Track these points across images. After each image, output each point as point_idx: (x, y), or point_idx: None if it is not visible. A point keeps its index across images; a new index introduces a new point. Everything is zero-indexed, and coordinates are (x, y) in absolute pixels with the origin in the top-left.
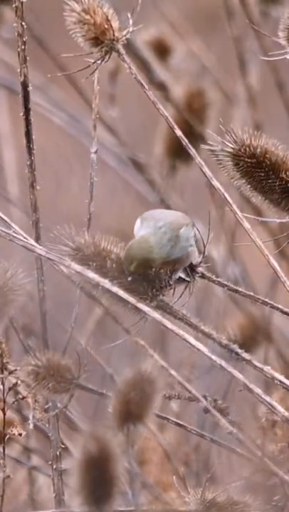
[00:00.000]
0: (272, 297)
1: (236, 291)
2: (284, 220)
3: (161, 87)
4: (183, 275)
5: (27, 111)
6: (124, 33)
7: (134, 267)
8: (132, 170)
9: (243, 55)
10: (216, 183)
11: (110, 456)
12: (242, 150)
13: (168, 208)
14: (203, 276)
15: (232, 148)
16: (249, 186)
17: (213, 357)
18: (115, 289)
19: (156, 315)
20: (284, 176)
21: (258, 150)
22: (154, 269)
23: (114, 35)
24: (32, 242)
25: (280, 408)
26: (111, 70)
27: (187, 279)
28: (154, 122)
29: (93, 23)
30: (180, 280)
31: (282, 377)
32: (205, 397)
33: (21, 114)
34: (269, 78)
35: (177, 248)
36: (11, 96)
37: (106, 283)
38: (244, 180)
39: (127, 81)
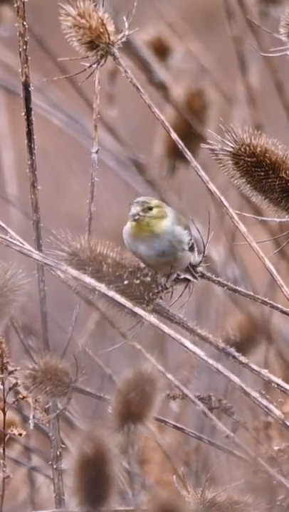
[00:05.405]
0: (272, 297)
1: (236, 290)
2: (283, 220)
3: (161, 87)
4: (181, 277)
5: (28, 111)
6: (120, 36)
7: None
8: (131, 170)
9: (243, 54)
10: (212, 187)
11: (107, 457)
12: (242, 149)
13: None
14: (203, 275)
15: (232, 147)
16: (249, 185)
17: (210, 361)
18: (111, 293)
19: (152, 319)
20: (284, 175)
21: (258, 149)
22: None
23: (109, 38)
24: (28, 247)
25: (276, 411)
26: (110, 70)
27: (188, 278)
28: (154, 123)
29: (88, 27)
30: (178, 281)
31: (279, 380)
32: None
33: (23, 114)
34: (268, 78)
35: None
36: (9, 97)
37: (102, 287)
38: (244, 180)
39: (127, 81)
